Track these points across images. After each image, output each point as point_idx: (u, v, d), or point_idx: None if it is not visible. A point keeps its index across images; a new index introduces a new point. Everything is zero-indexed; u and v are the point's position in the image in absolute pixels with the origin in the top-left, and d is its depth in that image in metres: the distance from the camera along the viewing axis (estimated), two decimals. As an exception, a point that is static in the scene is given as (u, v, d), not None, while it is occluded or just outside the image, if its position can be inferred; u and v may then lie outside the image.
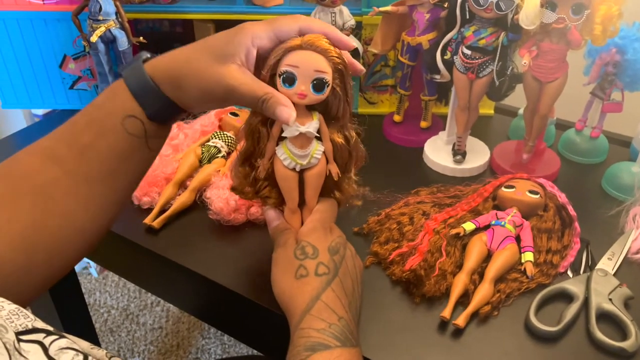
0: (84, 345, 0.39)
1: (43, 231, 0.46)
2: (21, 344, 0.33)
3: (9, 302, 0.35)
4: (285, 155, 0.53)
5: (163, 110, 0.50)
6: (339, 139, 0.53)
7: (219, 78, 0.47)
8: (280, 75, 0.49)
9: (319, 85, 0.49)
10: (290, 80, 0.48)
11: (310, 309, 0.48)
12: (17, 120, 1.67)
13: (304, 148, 0.52)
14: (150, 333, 1.55)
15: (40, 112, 1.60)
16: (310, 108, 0.52)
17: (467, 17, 0.72)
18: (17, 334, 0.34)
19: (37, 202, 0.47)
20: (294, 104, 0.51)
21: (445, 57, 0.77)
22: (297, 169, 0.54)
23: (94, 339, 1.20)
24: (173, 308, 1.61)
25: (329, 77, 0.49)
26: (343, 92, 0.51)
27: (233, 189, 0.58)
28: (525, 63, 0.70)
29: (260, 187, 0.57)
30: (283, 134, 0.52)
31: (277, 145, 0.53)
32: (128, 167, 0.51)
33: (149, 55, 0.51)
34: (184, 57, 0.49)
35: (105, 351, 0.42)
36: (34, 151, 0.49)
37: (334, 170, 0.54)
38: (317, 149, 0.53)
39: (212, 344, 1.53)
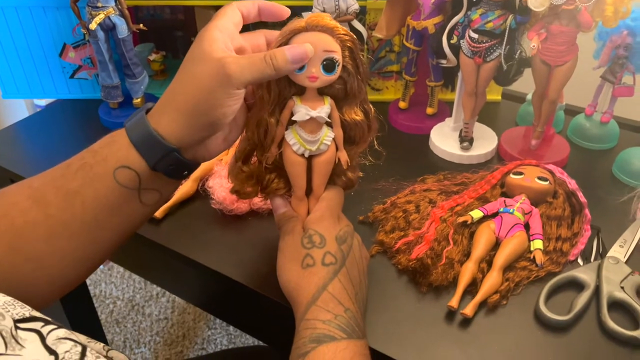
0: (82, 338, 0.39)
1: (12, 272, 0.45)
2: (18, 331, 0.32)
3: (3, 294, 0.35)
4: (294, 141, 0.51)
5: (165, 158, 0.47)
6: (358, 116, 0.52)
7: (217, 66, 0.45)
8: None
9: (329, 65, 0.47)
10: None
11: (317, 299, 0.48)
12: (20, 109, 1.67)
13: (314, 133, 0.51)
14: (156, 324, 1.55)
15: (42, 101, 1.59)
16: (322, 92, 0.50)
17: (474, -1, 0.70)
18: (15, 321, 0.33)
19: (13, 243, 0.45)
20: (305, 88, 0.50)
21: (452, 42, 0.75)
22: (306, 155, 0.52)
23: (98, 331, 1.20)
24: (178, 299, 1.61)
25: (338, 55, 0.48)
26: (355, 68, 0.50)
27: (234, 191, 0.57)
28: (533, 46, 0.69)
29: (268, 182, 0.55)
30: (293, 118, 0.51)
31: (287, 130, 0.52)
32: (114, 219, 0.49)
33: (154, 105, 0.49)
34: (177, 83, 0.47)
35: (102, 344, 0.41)
36: (22, 189, 0.48)
37: (344, 158, 0.53)
38: (327, 135, 0.52)
39: (218, 334, 1.53)
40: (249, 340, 1.53)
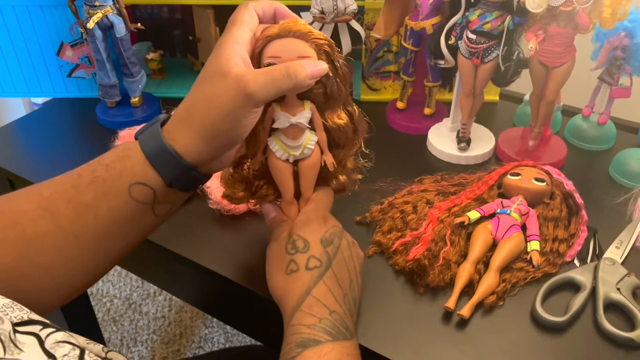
0: (80, 340, 0.38)
1: (19, 278, 0.45)
2: (17, 335, 0.32)
3: (1, 296, 0.35)
4: (277, 147, 0.52)
5: (182, 176, 0.47)
6: (342, 120, 0.52)
7: (235, 85, 0.44)
8: None
9: None
10: None
11: (301, 304, 0.48)
12: (17, 108, 1.67)
13: (296, 139, 0.51)
14: (153, 322, 1.55)
15: (40, 100, 1.59)
16: (302, 97, 0.50)
17: (472, 0, 0.70)
18: (14, 324, 0.33)
19: (22, 251, 0.45)
20: (283, 96, 0.49)
21: (450, 42, 0.75)
22: (291, 160, 0.52)
23: (95, 329, 1.20)
24: (176, 297, 1.61)
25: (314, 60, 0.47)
26: (333, 71, 0.49)
27: (225, 196, 0.57)
28: (531, 47, 0.69)
29: (257, 188, 0.56)
30: (274, 126, 0.51)
31: (270, 137, 0.52)
32: (126, 231, 0.48)
33: (167, 116, 0.49)
34: (193, 102, 0.46)
35: (101, 346, 0.41)
36: (32, 196, 0.47)
37: (329, 160, 0.53)
38: (310, 139, 0.52)
39: (215, 333, 1.53)
40: (246, 339, 1.53)
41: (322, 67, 0.47)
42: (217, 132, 0.46)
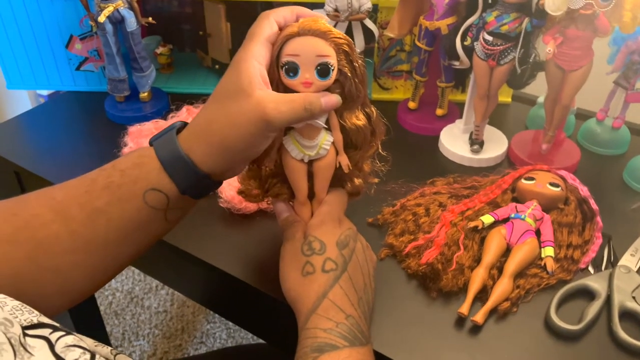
0: (89, 342, 0.38)
1: (28, 281, 0.44)
2: (27, 338, 0.32)
3: (11, 298, 0.34)
4: (292, 146, 0.51)
5: (196, 184, 0.47)
6: (360, 121, 0.51)
7: (256, 110, 0.44)
8: (282, 67, 0.47)
9: (323, 70, 0.47)
10: (292, 70, 0.47)
11: (317, 308, 0.47)
12: (22, 101, 1.66)
13: (312, 139, 0.50)
14: (155, 316, 1.55)
15: (45, 92, 1.58)
16: None
17: (490, 1, 0.69)
18: (24, 328, 0.32)
19: (32, 254, 0.44)
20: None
21: (465, 43, 0.74)
22: (306, 160, 0.52)
23: (98, 322, 1.20)
24: (178, 293, 1.61)
25: (332, 60, 0.47)
26: (352, 71, 0.48)
27: (240, 192, 0.57)
28: (549, 50, 0.68)
29: (270, 185, 0.55)
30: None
31: (285, 135, 0.51)
32: (137, 237, 0.48)
33: (183, 124, 0.49)
34: (213, 117, 0.46)
35: (110, 348, 0.41)
36: (45, 200, 0.46)
37: (344, 162, 0.52)
38: (325, 140, 0.51)
39: (217, 328, 1.53)
40: (247, 335, 1.52)
41: (335, 100, 0.48)
42: (236, 149, 0.46)
